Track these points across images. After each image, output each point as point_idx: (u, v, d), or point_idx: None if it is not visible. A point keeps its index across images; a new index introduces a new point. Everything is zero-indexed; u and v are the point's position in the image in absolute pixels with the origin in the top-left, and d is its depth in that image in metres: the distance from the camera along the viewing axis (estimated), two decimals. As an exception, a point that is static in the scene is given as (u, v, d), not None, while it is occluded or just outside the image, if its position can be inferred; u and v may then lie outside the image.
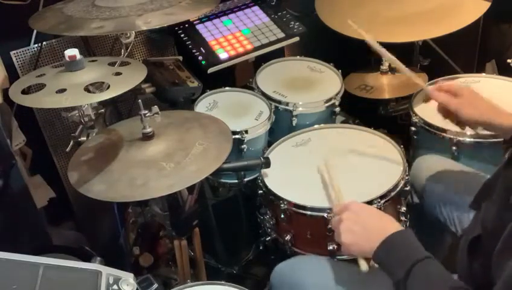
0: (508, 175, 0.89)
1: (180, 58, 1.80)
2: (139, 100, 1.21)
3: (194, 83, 1.65)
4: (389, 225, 1.03)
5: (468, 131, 1.43)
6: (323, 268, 1.19)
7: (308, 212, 1.32)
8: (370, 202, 1.29)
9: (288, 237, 1.38)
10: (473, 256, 0.97)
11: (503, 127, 1.16)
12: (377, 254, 0.99)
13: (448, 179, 1.40)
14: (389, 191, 1.33)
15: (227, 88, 1.79)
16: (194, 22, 1.88)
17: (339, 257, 1.32)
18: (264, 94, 1.75)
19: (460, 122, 1.25)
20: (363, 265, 1.06)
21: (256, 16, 1.94)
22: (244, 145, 1.57)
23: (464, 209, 1.30)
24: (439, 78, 1.83)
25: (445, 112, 1.27)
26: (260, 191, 1.45)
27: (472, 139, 1.51)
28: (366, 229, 1.04)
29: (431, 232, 1.45)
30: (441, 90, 1.26)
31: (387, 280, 0.97)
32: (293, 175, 1.46)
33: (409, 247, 0.97)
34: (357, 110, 1.94)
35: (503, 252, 0.82)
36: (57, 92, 1.13)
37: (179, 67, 1.72)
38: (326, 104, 1.72)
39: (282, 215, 1.37)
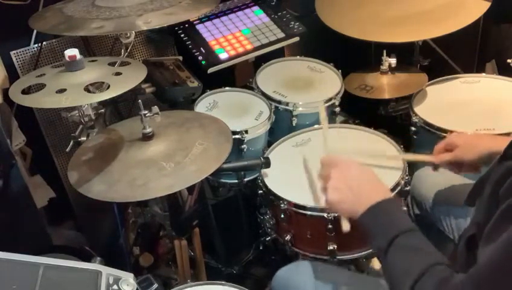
0: (499, 170, 0.89)
1: (180, 58, 1.80)
2: (139, 100, 1.21)
3: (194, 83, 1.65)
4: (379, 191, 1.01)
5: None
6: (325, 273, 1.19)
7: (308, 212, 1.32)
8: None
9: (288, 237, 1.38)
10: (471, 254, 0.97)
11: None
12: (362, 218, 0.98)
13: (448, 190, 1.41)
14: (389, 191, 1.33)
15: (227, 88, 1.79)
16: (194, 22, 1.88)
17: (338, 257, 1.32)
18: (264, 94, 1.75)
19: (472, 164, 1.27)
20: (345, 225, 1.05)
21: (256, 16, 1.94)
22: (244, 145, 1.57)
23: (464, 218, 1.31)
24: (439, 79, 1.84)
25: (456, 167, 1.30)
26: (260, 191, 1.45)
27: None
28: (354, 190, 1.01)
29: (432, 242, 1.45)
30: (440, 151, 1.31)
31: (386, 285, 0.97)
32: (293, 175, 1.46)
33: (394, 217, 0.97)
34: (357, 110, 1.94)
35: (488, 237, 0.82)
36: (57, 92, 1.13)
37: (179, 67, 1.72)
38: (326, 104, 1.72)
39: (282, 215, 1.37)
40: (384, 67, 1.80)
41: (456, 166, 1.30)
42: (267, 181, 1.43)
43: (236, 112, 1.68)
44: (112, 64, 1.30)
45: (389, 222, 0.95)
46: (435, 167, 1.34)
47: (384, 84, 1.80)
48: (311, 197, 1.35)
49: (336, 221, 1.27)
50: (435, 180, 1.44)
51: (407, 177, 1.40)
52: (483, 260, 0.80)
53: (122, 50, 1.54)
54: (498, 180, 0.87)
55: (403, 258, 0.91)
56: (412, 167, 1.47)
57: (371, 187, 1.02)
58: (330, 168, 1.07)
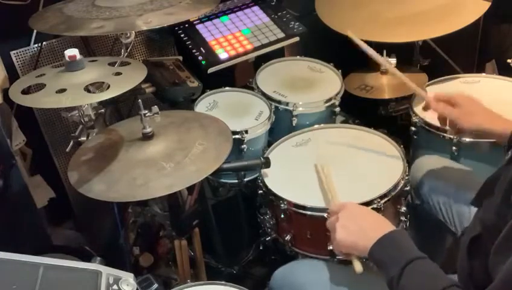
0: (509, 173, 0.89)
1: (180, 58, 1.80)
2: (139, 100, 1.21)
3: (194, 83, 1.65)
4: (384, 225, 1.04)
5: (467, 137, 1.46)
6: (323, 271, 1.19)
7: (308, 212, 1.32)
8: (370, 202, 1.29)
9: (288, 237, 1.38)
10: (473, 255, 0.97)
11: (502, 134, 1.17)
12: (372, 251, 1.00)
13: (447, 179, 1.40)
14: (389, 191, 1.33)
15: (227, 88, 1.79)
16: (194, 22, 1.88)
17: (338, 257, 1.32)
18: (264, 94, 1.75)
19: (460, 130, 1.27)
20: (358, 266, 1.07)
21: (256, 16, 1.94)
22: (244, 145, 1.57)
23: (464, 209, 1.31)
24: (439, 79, 1.84)
25: (445, 120, 1.30)
26: (260, 191, 1.45)
27: (472, 139, 1.51)
28: (362, 227, 1.05)
29: (431, 233, 1.45)
30: (439, 100, 1.29)
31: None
32: (293, 175, 1.46)
33: (404, 246, 0.99)
34: (357, 110, 1.94)
35: (501, 248, 0.82)
36: (57, 92, 1.13)
37: (179, 67, 1.72)
38: (326, 104, 1.72)
39: (282, 215, 1.37)
40: (384, 67, 1.80)
41: (445, 120, 1.30)
42: (267, 181, 1.43)
43: (236, 112, 1.68)
44: (112, 64, 1.30)
45: (399, 251, 0.97)
46: (426, 107, 1.34)
47: (384, 84, 1.80)
48: (311, 197, 1.35)
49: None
50: (434, 170, 1.44)
51: (407, 177, 1.40)
52: (500, 276, 0.80)
53: (122, 50, 1.54)
54: (510, 182, 0.87)
55: (416, 284, 0.92)
56: (411, 158, 1.47)
57: (376, 223, 1.06)
58: (338, 213, 1.10)
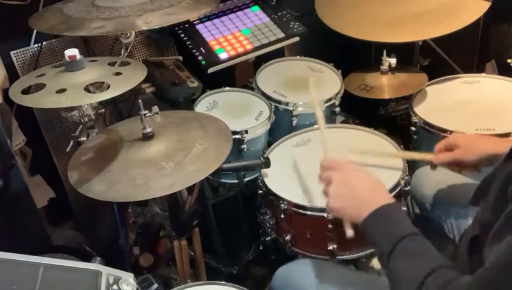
0: (505, 170, 0.89)
1: (180, 58, 1.80)
2: (139, 100, 1.21)
3: (194, 83, 1.65)
4: (380, 196, 1.02)
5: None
6: (324, 272, 1.19)
7: (308, 212, 1.32)
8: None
9: (288, 237, 1.38)
10: (473, 255, 0.97)
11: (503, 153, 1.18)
12: (365, 224, 0.98)
13: (448, 189, 1.41)
14: (389, 191, 1.33)
15: (227, 88, 1.79)
16: (194, 22, 1.88)
17: (338, 257, 1.32)
18: (264, 94, 1.75)
19: (473, 167, 1.27)
20: (349, 231, 1.05)
21: (256, 16, 1.94)
22: (244, 145, 1.57)
23: (464, 218, 1.31)
24: (439, 79, 1.84)
25: (456, 167, 1.31)
26: (260, 191, 1.45)
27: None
28: (357, 196, 1.03)
29: (432, 242, 1.44)
30: (440, 151, 1.31)
31: (386, 283, 0.97)
32: (293, 175, 1.46)
33: (397, 221, 0.97)
34: (357, 110, 1.94)
35: (495, 238, 0.82)
36: (57, 92, 1.13)
37: (179, 67, 1.72)
38: (326, 104, 1.72)
39: (282, 215, 1.37)
40: (384, 67, 1.80)
41: (456, 166, 1.30)
42: (267, 181, 1.43)
43: (236, 112, 1.68)
44: (112, 64, 1.30)
45: (392, 227, 0.96)
46: (433, 165, 1.34)
47: (384, 84, 1.80)
48: (311, 197, 1.35)
49: (336, 222, 1.27)
50: (435, 179, 1.44)
51: (407, 177, 1.40)
52: (491, 261, 0.80)
53: (122, 50, 1.54)
54: (506, 179, 0.87)
55: (407, 262, 0.92)
56: (412, 166, 1.47)
57: (372, 191, 1.04)
58: (330, 171, 1.08)
